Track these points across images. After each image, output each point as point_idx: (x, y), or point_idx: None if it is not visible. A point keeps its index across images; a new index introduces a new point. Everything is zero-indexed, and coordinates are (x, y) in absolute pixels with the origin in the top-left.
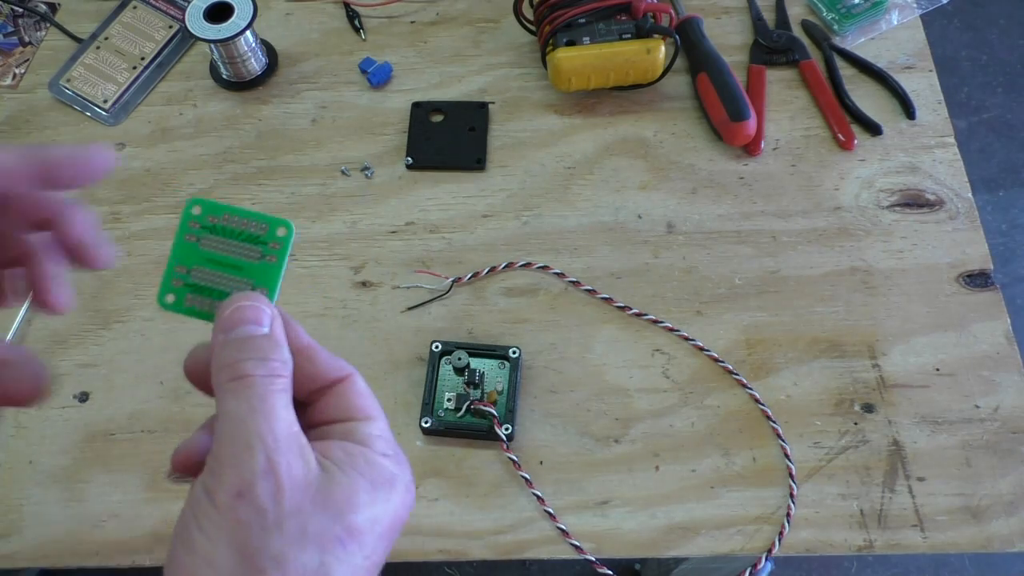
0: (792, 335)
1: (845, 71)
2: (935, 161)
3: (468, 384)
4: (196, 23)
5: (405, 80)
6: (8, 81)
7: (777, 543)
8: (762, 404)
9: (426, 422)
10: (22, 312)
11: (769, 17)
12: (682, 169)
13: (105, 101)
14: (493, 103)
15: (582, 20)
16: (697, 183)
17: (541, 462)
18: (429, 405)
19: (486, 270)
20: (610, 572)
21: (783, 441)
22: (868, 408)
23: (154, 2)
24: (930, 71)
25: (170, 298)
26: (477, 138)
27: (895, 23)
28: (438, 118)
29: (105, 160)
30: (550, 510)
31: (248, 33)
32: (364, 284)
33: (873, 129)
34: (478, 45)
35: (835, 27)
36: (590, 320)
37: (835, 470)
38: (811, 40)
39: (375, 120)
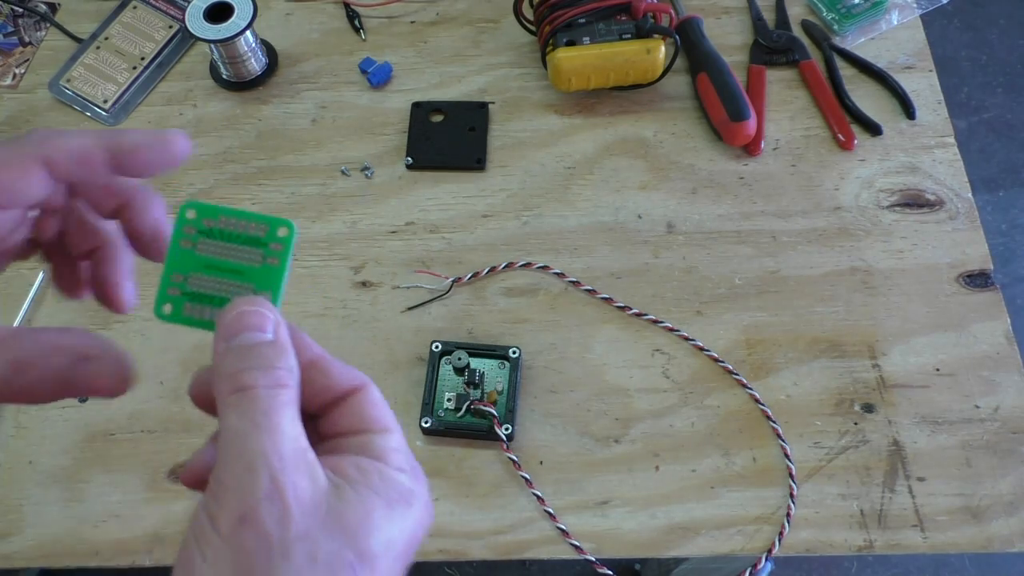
0: (792, 335)
1: (845, 71)
2: (935, 161)
3: (468, 384)
4: (196, 23)
5: (405, 80)
6: (8, 81)
7: (777, 543)
8: (762, 404)
9: (426, 422)
10: (26, 305)
11: (769, 17)
12: (682, 169)
13: (105, 101)
14: (493, 103)
15: (582, 20)
16: (697, 183)
17: (541, 462)
18: (429, 405)
19: (486, 270)
20: (610, 572)
21: (783, 441)
22: (868, 408)
23: (154, 2)
24: (930, 71)
25: (167, 308)
26: (477, 138)
27: (895, 23)
28: (438, 118)
29: (182, 146)
30: (550, 510)
31: (248, 33)
32: (364, 284)
33: (873, 129)
34: (478, 45)
35: (835, 27)
36: (590, 320)
37: (835, 470)
38: (811, 40)
39: (375, 120)
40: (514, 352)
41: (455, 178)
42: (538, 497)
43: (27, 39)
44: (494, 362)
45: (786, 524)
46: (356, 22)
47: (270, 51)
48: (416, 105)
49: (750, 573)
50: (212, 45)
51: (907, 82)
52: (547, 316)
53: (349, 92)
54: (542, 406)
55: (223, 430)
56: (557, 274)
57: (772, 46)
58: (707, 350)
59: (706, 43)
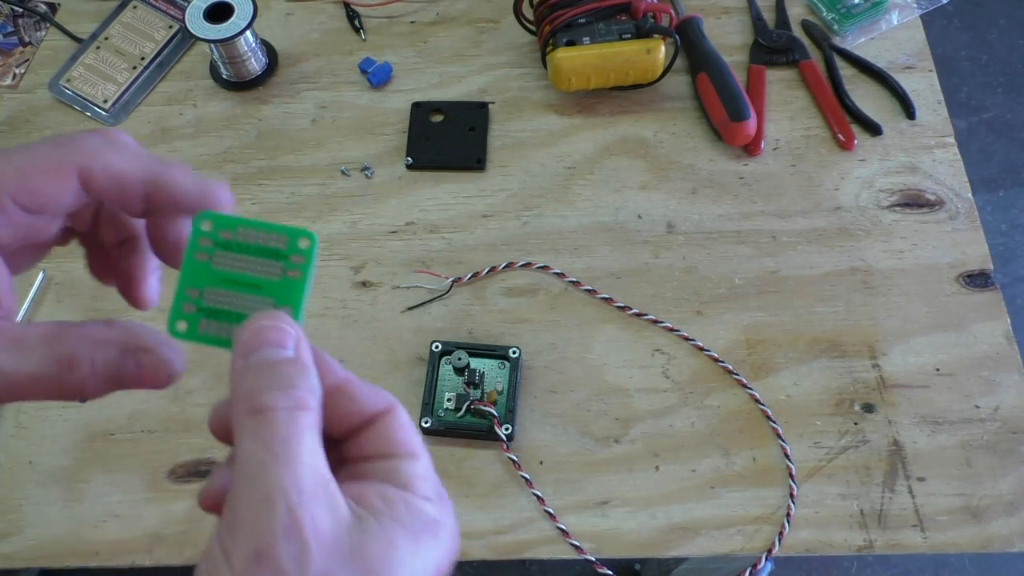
0: (792, 335)
1: (845, 71)
2: (935, 161)
3: (468, 384)
4: (196, 23)
5: (405, 80)
6: (8, 81)
7: (777, 543)
8: (762, 404)
9: (426, 422)
10: (26, 306)
11: (769, 17)
12: (682, 169)
13: (105, 101)
14: (493, 103)
15: (582, 20)
16: (697, 183)
17: (541, 462)
18: (429, 405)
19: (486, 270)
20: (610, 572)
21: (783, 441)
22: (868, 408)
23: (154, 2)
24: (930, 71)
25: (182, 326)
26: (477, 138)
27: (895, 23)
28: (438, 118)
29: (225, 200)
30: (550, 510)
31: (248, 33)
32: (364, 284)
33: (873, 129)
34: (478, 45)
35: (835, 27)
36: (590, 320)
37: (835, 470)
38: (811, 40)
39: (375, 120)
40: (514, 352)
41: (455, 178)
42: (538, 497)
43: (27, 39)
44: (494, 362)
45: (786, 524)
46: (356, 22)
47: (270, 51)
48: (416, 105)
49: (750, 573)
50: (212, 45)
51: (907, 82)
52: (547, 316)
53: (349, 92)
54: (542, 406)
55: (239, 456)
56: (557, 274)
57: (772, 46)
58: (707, 350)
59: (706, 43)
